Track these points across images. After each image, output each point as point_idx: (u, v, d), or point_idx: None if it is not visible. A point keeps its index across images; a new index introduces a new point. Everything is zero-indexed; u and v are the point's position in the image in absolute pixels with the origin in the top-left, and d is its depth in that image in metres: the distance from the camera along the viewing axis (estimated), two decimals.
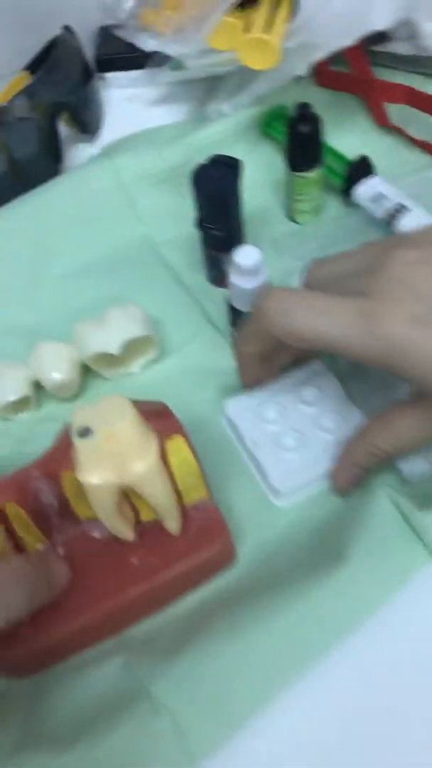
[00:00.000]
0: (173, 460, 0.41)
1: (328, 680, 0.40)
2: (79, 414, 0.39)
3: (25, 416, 0.53)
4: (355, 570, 0.42)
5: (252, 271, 0.49)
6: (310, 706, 0.40)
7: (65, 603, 0.41)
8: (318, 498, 0.47)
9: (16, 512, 0.41)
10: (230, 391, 0.51)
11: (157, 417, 0.42)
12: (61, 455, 0.41)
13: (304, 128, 0.55)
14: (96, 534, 0.44)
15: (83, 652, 0.42)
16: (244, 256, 0.49)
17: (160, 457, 0.40)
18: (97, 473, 0.38)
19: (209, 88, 0.72)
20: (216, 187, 0.52)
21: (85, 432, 0.38)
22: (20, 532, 0.41)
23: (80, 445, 0.38)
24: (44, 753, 0.37)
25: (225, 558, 0.45)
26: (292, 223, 0.63)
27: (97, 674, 0.41)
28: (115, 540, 0.43)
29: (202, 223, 0.54)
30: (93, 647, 0.43)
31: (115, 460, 0.38)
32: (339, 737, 0.39)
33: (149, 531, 0.43)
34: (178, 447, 0.41)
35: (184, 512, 0.43)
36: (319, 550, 0.44)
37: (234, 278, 0.50)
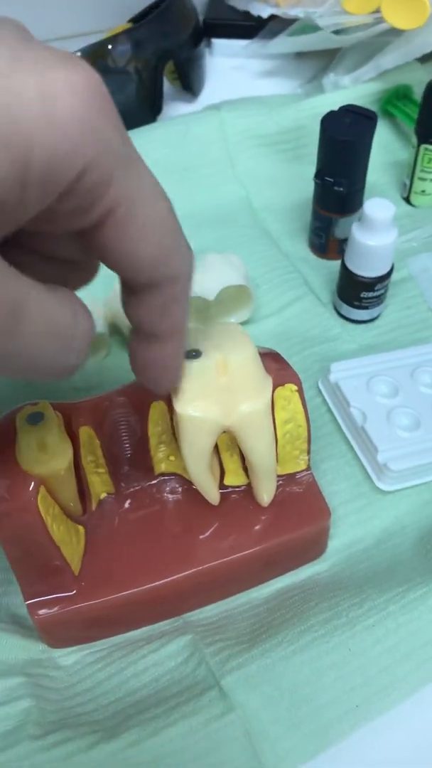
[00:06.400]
0: (281, 414, 0.34)
1: None
2: (188, 334, 0.32)
3: (90, 361, 0.47)
4: None
5: (383, 226, 0.43)
6: (414, 741, 0.32)
7: (123, 567, 0.34)
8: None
9: (89, 439, 0.34)
10: (329, 362, 0.44)
11: (273, 361, 0.35)
12: None
13: None
14: (168, 495, 0.37)
15: (140, 629, 0.35)
16: (377, 208, 0.42)
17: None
18: (199, 404, 0.31)
19: (324, 65, 0.67)
20: (346, 135, 0.46)
21: (193, 354, 0.31)
22: (89, 473, 0.34)
23: (185, 367, 0.31)
24: (85, 737, 0.30)
25: (316, 547, 0.38)
26: (408, 206, 0.57)
27: (156, 655, 0.33)
28: (187, 506, 0.36)
29: (323, 176, 0.48)
30: (152, 625, 0.35)
31: (222, 395, 0.31)
32: None
33: (231, 500, 0.36)
34: (289, 398, 0.34)
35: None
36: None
37: (358, 234, 0.44)
